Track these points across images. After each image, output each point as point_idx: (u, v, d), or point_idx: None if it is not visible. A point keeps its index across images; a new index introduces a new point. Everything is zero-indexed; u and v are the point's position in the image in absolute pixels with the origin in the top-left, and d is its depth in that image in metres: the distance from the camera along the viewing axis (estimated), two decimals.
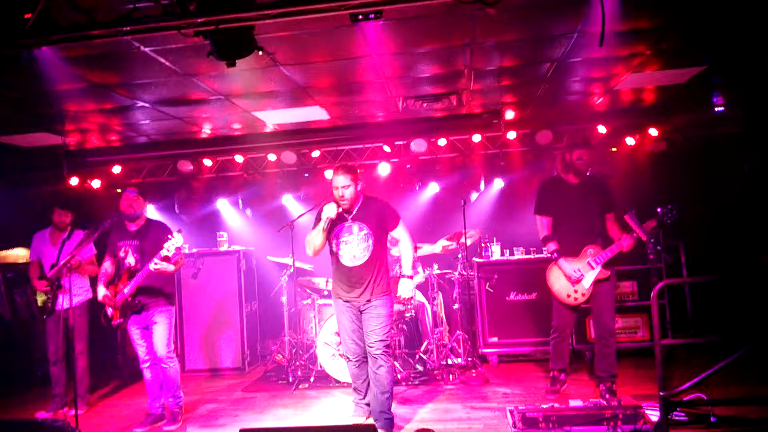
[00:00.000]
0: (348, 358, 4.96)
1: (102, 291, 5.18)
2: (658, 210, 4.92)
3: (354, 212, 4.77)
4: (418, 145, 7.45)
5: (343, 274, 4.82)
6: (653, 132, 7.25)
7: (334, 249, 4.82)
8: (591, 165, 5.21)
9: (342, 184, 4.65)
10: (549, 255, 5.24)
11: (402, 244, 4.93)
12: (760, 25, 4.80)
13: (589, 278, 5.01)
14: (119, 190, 5.30)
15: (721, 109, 6.88)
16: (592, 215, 5.16)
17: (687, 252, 7.05)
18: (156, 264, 4.90)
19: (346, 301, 4.84)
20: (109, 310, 5.19)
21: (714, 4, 4.36)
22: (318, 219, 4.79)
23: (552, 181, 5.37)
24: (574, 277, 5.03)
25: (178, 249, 4.94)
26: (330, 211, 4.65)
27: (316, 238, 4.73)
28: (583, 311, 5.32)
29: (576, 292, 5.07)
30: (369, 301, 4.75)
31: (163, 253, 4.87)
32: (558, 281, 5.16)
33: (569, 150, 5.24)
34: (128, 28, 3.29)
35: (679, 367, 6.02)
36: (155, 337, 5.19)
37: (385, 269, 4.86)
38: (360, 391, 5.06)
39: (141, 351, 5.28)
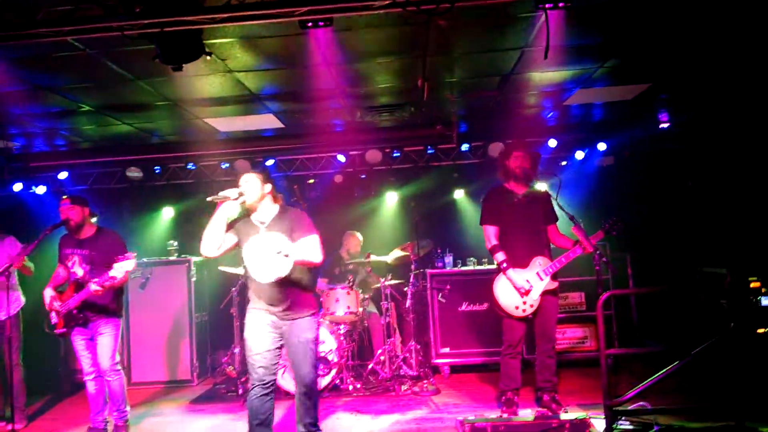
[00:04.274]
0: (252, 383, 4.15)
1: (49, 294, 4.99)
2: (605, 223, 5.00)
3: (268, 222, 4.14)
4: (372, 156, 7.45)
5: (261, 292, 4.14)
6: (602, 146, 7.42)
7: (247, 264, 4.04)
8: (532, 168, 5.07)
9: (244, 179, 4.11)
10: (497, 265, 5.06)
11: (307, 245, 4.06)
12: (700, 45, 4.98)
13: (537, 289, 4.96)
14: (64, 197, 5.10)
15: (666, 125, 7.10)
16: (538, 226, 5.12)
17: (633, 263, 7.21)
18: (97, 288, 4.72)
19: (268, 315, 4.16)
20: (53, 317, 4.99)
21: (656, 24, 4.50)
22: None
23: (496, 191, 5.22)
24: (525, 289, 4.93)
25: (128, 273, 4.77)
26: (229, 192, 3.99)
27: (209, 230, 4.04)
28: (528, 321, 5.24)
29: (525, 303, 4.95)
30: (292, 319, 4.14)
31: (112, 273, 4.67)
32: (506, 293, 5.00)
33: (507, 156, 5.13)
34: (69, 29, 3.20)
35: (624, 377, 6.14)
36: (99, 348, 5.01)
37: (310, 283, 4.29)
38: None
39: (85, 363, 5.09)
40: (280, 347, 4.24)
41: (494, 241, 5.07)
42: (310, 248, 4.04)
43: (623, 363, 6.67)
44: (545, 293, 5.00)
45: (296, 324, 4.16)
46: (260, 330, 4.16)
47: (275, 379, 4.25)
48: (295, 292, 4.15)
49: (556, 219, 5.23)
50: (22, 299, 5.85)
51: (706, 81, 5.97)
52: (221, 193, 4.01)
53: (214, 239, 4.05)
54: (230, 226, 4.13)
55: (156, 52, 3.46)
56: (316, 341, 4.33)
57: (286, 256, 3.86)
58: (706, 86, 6.13)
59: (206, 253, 4.09)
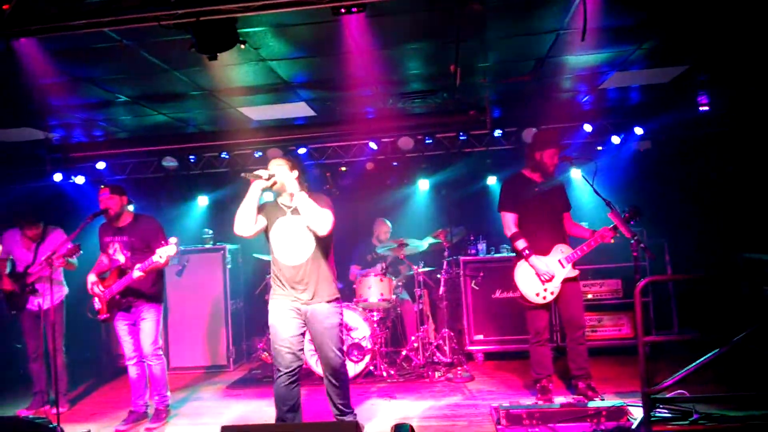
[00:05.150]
0: (278, 370, 4.25)
1: (91, 279, 5.13)
2: (624, 213, 4.89)
3: (294, 206, 4.28)
4: (404, 143, 7.44)
5: (284, 275, 4.28)
6: (639, 131, 7.27)
7: (273, 246, 4.32)
8: (558, 165, 5.08)
9: (276, 163, 4.26)
10: (519, 252, 5.02)
11: None
12: (742, 24, 4.83)
13: (559, 277, 4.93)
14: (103, 187, 5.23)
15: (705, 108, 6.92)
16: (557, 213, 5.11)
17: (671, 250, 7.08)
18: (140, 273, 4.85)
19: (291, 301, 4.27)
20: (96, 302, 5.13)
21: (696, 2, 4.38)
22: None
23: (516, 178, 5.20)
24: (547, 276, 4.91)
25: (170, 257, 4.88)
26: (261, 171, 4.14)
27: (242, 208, 4.15)
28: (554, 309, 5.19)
29: (546, 290, 4.94)
30: (313, 302, 4.25)
31: (155, 258, 4.81)
32: (526, 280, 4.99)
33: (540, 149, 5.06)
34: (108, 19, 3.25)
35: (662, 365, 6.01)
36: (142, 333, 5.14)
37: (331, 269, 4.40)
38: (287, 422, 4.26)
39: (127, 348, 5.23)
40: (304, 333, 4.33)
41: (514, 229, 5.06)
42: (321, 210, 4.15)
43: (661, 351, 6.56)
44: (566, 280, 4.98)
45: (319, 309, 4.26)
46: (284, 316, 4.26)
47: (301, 365, 4.34)
48: (318, 276, 4.27)
49: (570, 207, 5.22)
50: (66, 289, 6.00)
51: (748, 61, 5.79)
52: (254, 172, 4.16)
53: (247, 217, 4.15)
54: (259, 209, 4.24)
55: (192, 42, 3.51)
56: (341, 326, 4.41)
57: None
58: (748, 67, 5.95)
59: (240, 231, 4.19)
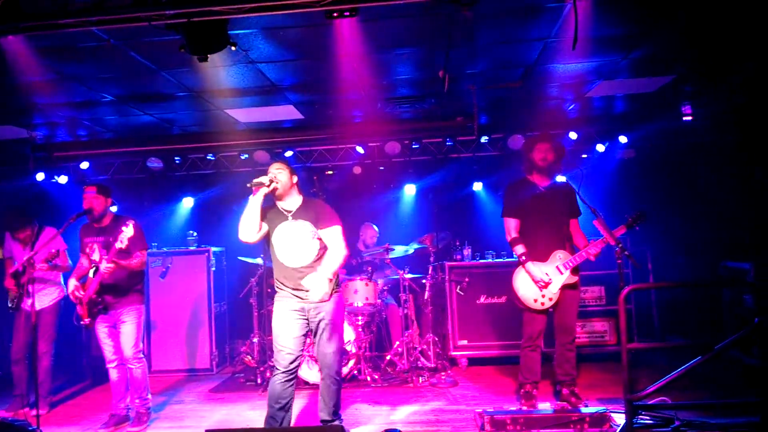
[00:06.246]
0: (276, 369, 4.30)
1: (73, 284, 5.05)
2: (628, 217, 4.95)
3: (294, 211, 4.38)
4: (391, 147, 7.45)
5: (287, 278, 4.34)
6: (623, 139, 7.35)
7: (276, 250, 4.37)
8: (556, 161, 5.03)
9: (276, 167, 4.33)
10: (517, 258, 5.04)
11: (331, 247, 4.33)
12: (728, 35, 4.91)
13: (557, 283, 4.93)
14: (90, 185, 5.17)
15: (689, 118, 7.01)
16: (559, 219, 5.08)
17: (653, 258, 7.15)
18: (108, 265, 4.79)
19: (297, 302, 4.32)
20: (79, 309, 5.06)
21: (684, 15, 4.45)
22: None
23: (519, 183, 5.18)
24: (543, 282, 4.91)
25: (130, 239, 4.81)
26: (263, 179, 4.21)
27: (246, 216, 4.23)
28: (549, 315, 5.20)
29: (544, 297, 4.93)
30: (318, 303, 4.26)
31: (118, 245, 4.76)
32: (525, 286, 4.98)
33: (531, 148, 5.08)
34: (97, 18, 3.23)
35: (643, 372, 6.08)
36: (122, 336, 5.07)
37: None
38: (276, 420, 4.28)
39: (107, 350, 5.15)
40: (306, 334, 4.40)
41: (514, 234, 5.06)
42: (337, 253, 4.30)
43: (642, 358, 6.63)
44: (565, 287, 4.98)
45: (322, 308, 4.30)
46: (287, 317, 4.32)
47: (298, 367, 4.37)
48: None
49: (579, 213, 5.19)
50: (62, 292, 5.92)
51: (733, 72, 5.89)
52: (255, 180, 4.24)
53: (252, 224, 4.24)
54: (261, 215, 4.31)
55: (182, 43, 3.49)
56: (342, 323, 4.47)
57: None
58: (732, 78, 6.04)
59: (245, 238, 4.29)
